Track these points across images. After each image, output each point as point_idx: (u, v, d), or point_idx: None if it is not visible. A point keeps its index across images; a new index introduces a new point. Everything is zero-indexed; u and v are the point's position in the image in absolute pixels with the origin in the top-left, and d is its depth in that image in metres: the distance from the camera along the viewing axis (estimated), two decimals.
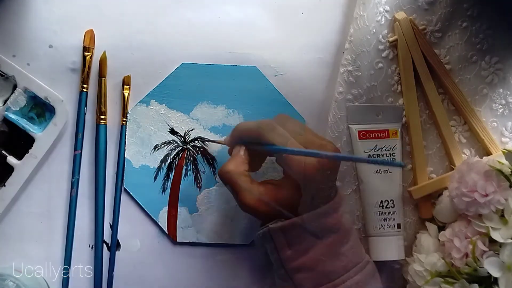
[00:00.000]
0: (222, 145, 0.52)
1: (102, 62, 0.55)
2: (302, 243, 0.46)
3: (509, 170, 0.48)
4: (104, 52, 0.55)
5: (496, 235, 0.46)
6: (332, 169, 0.46)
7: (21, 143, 0.54)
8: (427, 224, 0.53)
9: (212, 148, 0.56)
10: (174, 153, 0.56)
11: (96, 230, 0.55)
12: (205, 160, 0.56)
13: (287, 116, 0.49)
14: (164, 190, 0.55)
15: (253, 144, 0.48)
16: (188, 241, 0.55)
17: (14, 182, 0.53)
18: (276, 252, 0.47)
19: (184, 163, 0.56)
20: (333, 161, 0.45)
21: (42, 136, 0.54)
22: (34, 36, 0.55)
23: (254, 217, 0.48)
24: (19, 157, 0.53)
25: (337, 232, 0.46)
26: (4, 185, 0.53)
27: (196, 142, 0.56)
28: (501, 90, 0.55)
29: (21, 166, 0.53)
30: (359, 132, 0.54)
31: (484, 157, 0.53)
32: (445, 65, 0.54)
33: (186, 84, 0.55)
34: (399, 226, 0.53)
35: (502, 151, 0.52)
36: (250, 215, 0.47)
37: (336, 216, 0.46)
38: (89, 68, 0.55)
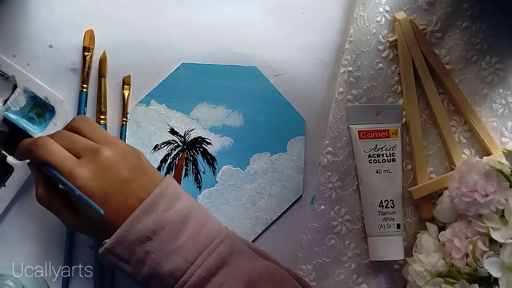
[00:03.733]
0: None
1: (102, 62, 0.55)
2: (136, 255, 0.44)
3: (509, 170, 0.48)
4: (104, 52, 0.55)
5: (496, 235, 0.46)
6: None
7: None
8: (428, 224, 0.53)
9: None
10: (174, 153, 0.56)
11: None
12: (205, 160, 0.56)
13: (84, 117, 0.49)
14: None
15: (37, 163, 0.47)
16: None
17: (14, 182, 0.53)
18: (120, 271, 0.46)
19: (184, 163, 0.56)
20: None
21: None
22: (34, 36, 0.55)
23: None
24: None
25: (164, 229, 0.44)
26: (4, 185, 0.53)
27: (196, 142, 0.56)
28: (501, 90, 0.55)
29: (21, 166, 0.53)
30: (359, 132, 0.54)
31: (484, 157, 0.53)
32: (445, 65, 0.54)
33: (186, 84, 0.55)
34: (398, 226, 0.53)
35: (502, 151, 0.52)
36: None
37: (156, 215, 0.44)
38: (89, 68, 0.55)
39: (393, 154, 0.54)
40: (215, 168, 0.56)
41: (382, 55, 0.54)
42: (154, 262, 0.44)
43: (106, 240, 0.45)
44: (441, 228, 0.52)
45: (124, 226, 0.44)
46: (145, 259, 0.44)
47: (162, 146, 0.56)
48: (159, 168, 0.55)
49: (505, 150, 0.51)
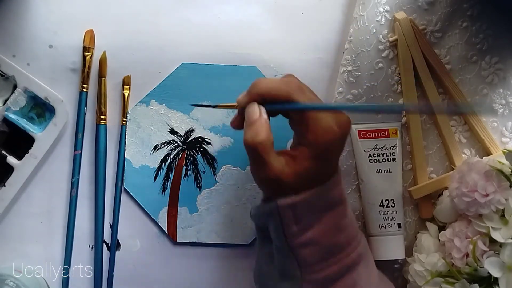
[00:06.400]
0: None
1: (102, 62, 0.55)
2: (308, 218, 0.44)
3: (510, 170, 0.48)
4: (104, 52, 0.55)
5: (496, 235, 0.46)
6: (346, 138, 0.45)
7: (21, 143, 0.54)
8: (428, 224, 0.53)
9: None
10: (174, 153, 0.56)
11: (96, 230, 0.55)
12: (205, 160, 0.56)
13: (296, 78, 0.46)
14: (164, 190, 0.55)
15: (273, 105, 0.44)
16: (188, 241, 0.55)
17: (14, 182, 0.53)
18: (282, 228, 0.44)
19: (184, 163, 0.56)
20: (347, 129, 0.44)
21: (42, 136, 0.54)
22: (34, 36, 0.55)
23: (265, 192, 0.46)
24: (19, 157, 0.54)
25: (341, 204, 0.45)
26: (4, 185, 0.53)
27: (196, 142, 0.56)
28: (501, 90, 0.55)
29: (21, 166, 0.53)
30: (359, 131, 0.54)
31: (484, 157, 0.53)
32: (445, 65, 0.54)
33: (186, 84, 0.55)
34: (399, 225, 0.53)
35: (502, 151, 0.52)
36: (266, 188, 0.45)
37: (340, 187, 0.45)
38: (89, 68, 0.55)
39: (393, 154, 0.54)
40: (215, 168, 0.56)
41: (382, 55, 0.54)
42: (321, 231, 0.45)
43: (293, 196, 0.44)
44: (441, 228, 0.52)
45: (318, 190, 0.44)
46: (314, 225, 0.44)
47: (162, 146, 0.56)
48: (159, 168, 0.55)
49: (505, 150, 0.51)
